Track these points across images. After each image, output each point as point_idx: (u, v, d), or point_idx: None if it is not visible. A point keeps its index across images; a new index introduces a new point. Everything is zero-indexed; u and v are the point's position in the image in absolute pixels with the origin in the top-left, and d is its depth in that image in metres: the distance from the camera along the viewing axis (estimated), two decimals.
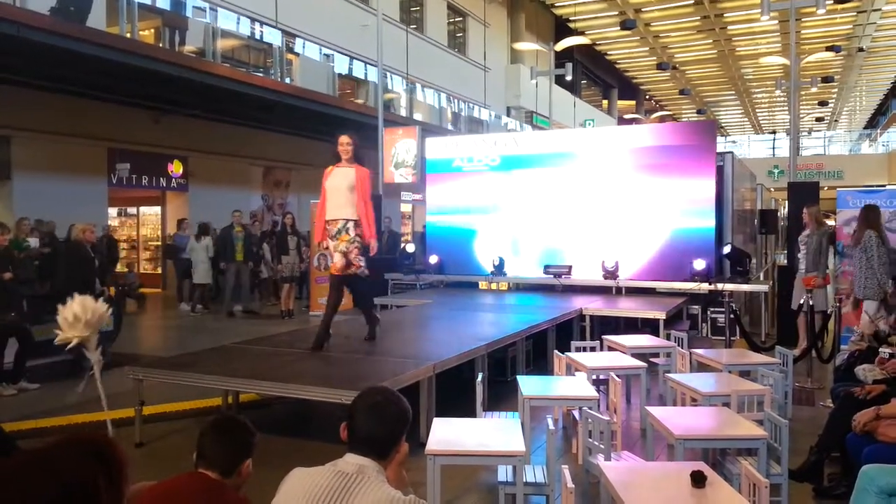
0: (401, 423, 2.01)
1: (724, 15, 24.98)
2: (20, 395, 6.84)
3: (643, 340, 6.87)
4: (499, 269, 10.90)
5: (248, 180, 17.54)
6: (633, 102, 39.49)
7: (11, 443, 3.96)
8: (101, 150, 13.77)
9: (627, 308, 8.91)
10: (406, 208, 23.02)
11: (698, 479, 2.96)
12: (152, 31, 14.21)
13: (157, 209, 16.83)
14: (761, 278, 11.78)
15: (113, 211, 16.76)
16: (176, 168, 15.49)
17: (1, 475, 1.06)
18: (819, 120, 40.37)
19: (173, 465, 4.14)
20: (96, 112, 13.18)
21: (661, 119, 37.08)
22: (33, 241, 9.89)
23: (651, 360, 6.58)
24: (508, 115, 27.01)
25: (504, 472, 3.76)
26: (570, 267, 10.53)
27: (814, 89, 28.52)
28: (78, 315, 3.98)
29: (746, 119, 45.32)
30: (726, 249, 9.94)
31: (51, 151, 12.62)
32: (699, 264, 9.58)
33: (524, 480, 3.63)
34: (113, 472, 1.11)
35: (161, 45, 13.03)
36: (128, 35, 11.53)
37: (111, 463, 1.11)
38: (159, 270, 16.71)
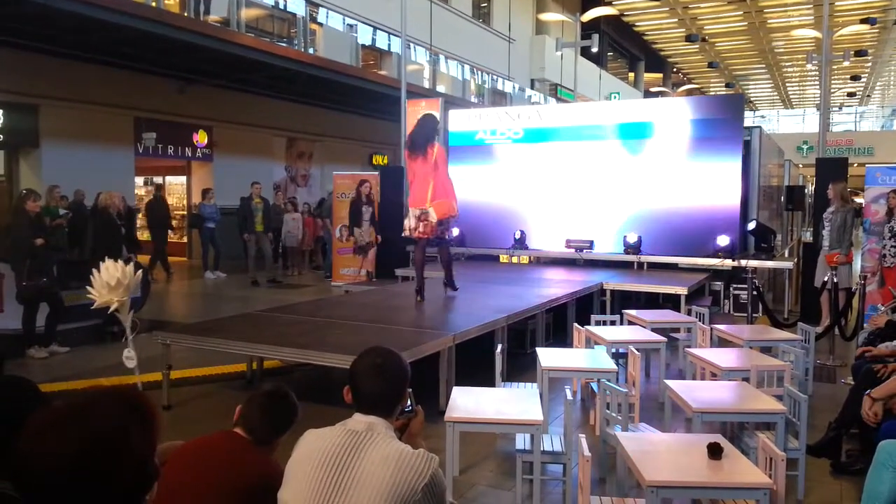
0: (402, 380, 2.07)
1: None
2: (51, 358, 7.04)
3: (664, 315, 6.86)
4: (520, 242, 10.90)
5: (271, 151, 17.62)
6: (661, 75, 38.83)
7: (48, 403, 4.08)
8: (128, 119, 13.90)
9: (649, 283, 8.88)
10: None
11: (715, 451, 2.99)
12: (177, 0, 14.24)
13: (183, 179, 17.00)
14: (786, 255, 11.66)
15: (139, 180, 16.96)
16: (201, 138, 15.61)
17: (35, 425, 1.12)
18: (851, 95, 39.42)
19: (200, 427, 4.25)
20: (122, 81, 13.28)
21: (689, 92, 36.47)
22: (63, 211, 10.09)
23: (671, 335, 6.59)
24: (532, 87, 26.74)
25: (522, 441, 3.81)
26: (591, 241, 10.50)
27: (846, 63, 27.78)
28: (120, 279, 4.06)
29: (776, 93, 44.40)
30: (751, 225, 9.84)
31: (78, 120, 12.77)
32: (723, 240, 9.50)
33: (542, 449, 3.68)
34: (144, 421, 1.16)
35: (186, 14, 13.05)
36: (153, 4, 11.58)
37: (142, 413, 1.16)
38: (185, 239, 16.92)
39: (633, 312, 6.81)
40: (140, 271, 4.27)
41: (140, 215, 16.08)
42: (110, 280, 4.10)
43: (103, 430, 1.11)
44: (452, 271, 7.55)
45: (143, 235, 17.00)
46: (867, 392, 3.82)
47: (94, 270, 4.11)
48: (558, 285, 8.38)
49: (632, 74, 37.47)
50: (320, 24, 16.51)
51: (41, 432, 1.10)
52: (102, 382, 5.91)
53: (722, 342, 6.16)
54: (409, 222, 6.93)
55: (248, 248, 12.79)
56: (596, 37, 21.31)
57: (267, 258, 13.05)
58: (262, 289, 12.10)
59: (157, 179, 18.41)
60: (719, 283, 9.60)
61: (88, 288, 4.30)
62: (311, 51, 15.78)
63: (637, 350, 5.03)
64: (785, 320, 8.53)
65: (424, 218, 6.81)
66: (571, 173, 10.94)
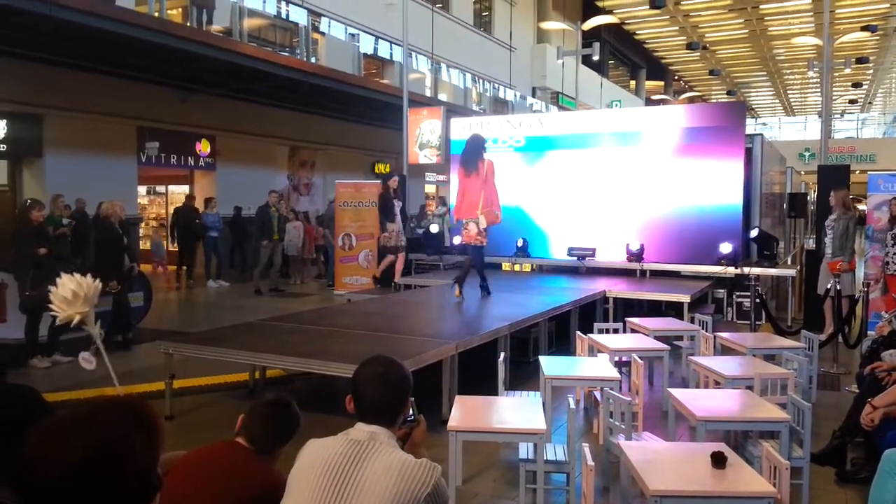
0: (405, 389, 2.06)
1: None
2: (54, 368, 7.03)
3: (667, 323, 6.85)
4: (522, 250, 10.89)
5: (273, 160, 17.65)
6: (662, 83, 38.93)
7: (52, 413, 4.06)
8: (131, 128, 13.94)
9: (651, 291, 8.86)
10: (430, 189, 23.04)
11: (719, 460, 2.98)
12: (180, 10, 14.30)
13: (186, 188, 17.02)
14: (789, 262, 11.64)
15: (142, 189, 16.99)
16: (204, 147, 15.64)
17: (39, 434, 1.12)
18: (852, 102, 39.46)
19: (202, 436, 4.25)
20: (125, 91, 13.33)
21: (690, 100, 36.54)
22: (66, 221, 10.11)
23: (674, 343, 6.57)
24: (534, 95, 26.79)
25: (525, 450, 3.80)
26: (594, 249, 10.49)
27: (847, 70, 27.81)
28: (76, 292, 3.99)
29: (778, 101, 44.44)
30: (753, 233, 9.83)
31: (81, 129, 12.81)
32: (726, 248, 9.49)
33: (545, 458, 3.67)
34: (148, 432, 1.16)
35: (189, 24, 13.11)
36: (156, 14, 11.62)
37: (146, 424, 1.17)
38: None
39: (635, 320, 6.80)
40: (98, 282, 4.19)
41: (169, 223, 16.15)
42: (66, 294, 4.00)
43: (107, 440, 1.11)
44: (467, 277, 8.08)
45: (146, 244, 17.06)
46: (869, 400, 3.81)
47: (52, 288, 4.03)
48: (561, 293, 8.37)
49: (633, 82, 37.57)
50: (322, 34, 16.57)
51: (45, 441, 1.10)
52: (106, 392, 5.91)
53: (725, 350, 6.14)
54: (460, 232, 7.96)
55: (261, 255, 12.83)
56: (597, 45, 21.45)
57: (275, 266, 13.09)
58: (264, 297, 12.10)
59: (160, 189, 18.50)
60: (722, 290, 9.58)
61: (50, 305, 4.23)
62: (313, 60, 15.82)
63: (640, 358, 5.02)
64: (788, 328, 8.50)
65: (471, 227, 7.73)
66: (573, 181, 10.95)
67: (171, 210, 18.21)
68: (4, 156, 12.23)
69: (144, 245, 16.48)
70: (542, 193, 11.17)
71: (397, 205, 10.65)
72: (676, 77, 39.55)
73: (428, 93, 20.36)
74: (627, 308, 8.66)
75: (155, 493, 1.16)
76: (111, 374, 4.53)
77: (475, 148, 7.85)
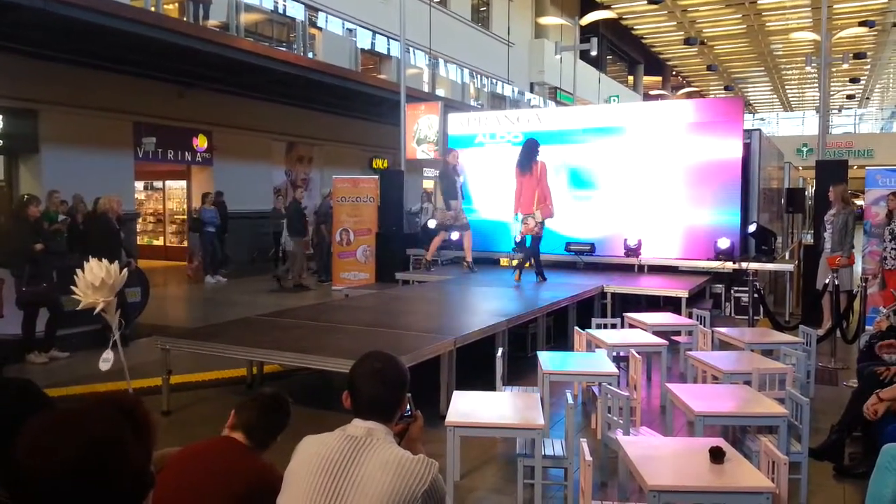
0: (402, 384, 2.05)
1: None
2: (51, 363, 7.02)
3: (665, 318, 6.84)
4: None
5: (271, 155, 17.60)
6: (660, 78, 38.87)
7: (52, 406, 4.05)
8: (127, 123, 13.87)
9: (649, 286, 8.86)
10: (428, 184, 22.99)
11: (717, 455, 2.97)
12: (176, 5, 14.24)
13: (183, 183, 16.98)
14: (787, 257, 11.64)
15: (139, 185, 16.94)
16: (201, 142, 15.57)
17: (31, 432, 1.11)
18: (850, 97, 39.43)
19: (199, 432, 4.24)
20: (122, 86, 13.26)
21: (688, 95, 36.49)
22: (62, 217, 10.08)
23: (672, 338, 6.57)
24: (532, 91, 26.74)
25: (523, 445, 3.79)
26: (592, 245, 10.48)
27: (845, 66, 27.77)
28: (104, 279, 4.01)
29: (775, 96, 44.41)
30: (751, 228, 9.82)
31: (77, 125, 12.75)
32: (723, 243, 9.49)
33: (543, 453, 3.66)
34: (140, 428, 1.14)
35: (185, 19, 13.05)
36: (152, 9, 11.57)
37: (138, 420, 1.15)
38: (185, 244, 16.91)
39: (633, 315, 6.79)
40: (125, 270, 4.20)
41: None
42: (94, 280, 4.02)
43: (98, 438, 1.09)
44: (525, 264, 9.06)
45: (144, 240, 17.03)
46: (876, 391, 3.80)
47: (78, 271, 4.04)
48: (559, 289, 8.36)
49: (631, 78, 37.50)
50: (319, 29, 16.52)
51: (36, 439, 1.09)
52: (98, 389, 5.89)
53: (723, 345, 6.14)
54: (519, 227, 8.88)
55: (297, 251, 12.81)
56: (595, 40, 21.31)
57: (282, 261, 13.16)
58: (275, 293, 12.09)
59: (157, 184, 18.44)
60: (720, 285, 9.57)
61: (73, 288, 4.22)
62: (310, 55, 15.77)
63: (638, 353, 5.01)
64: (786, 323, 8.50)
65: (529, 221, 8.65)
66: (571, 177, 10.93)
67: (168, 206, 18.21)
68: (0, 151, 12.18)
69: (141, 240, 16.43)
70: None
71: (459, 181, 10.17)
72: (674, 72, 39.50)
73: (425, 88, 20.31)
74: (625, 303, 8.65)
75: (148, 491, 1.15)
76: (124, 368, 4.53)
77: (530, 151, 8.84)
